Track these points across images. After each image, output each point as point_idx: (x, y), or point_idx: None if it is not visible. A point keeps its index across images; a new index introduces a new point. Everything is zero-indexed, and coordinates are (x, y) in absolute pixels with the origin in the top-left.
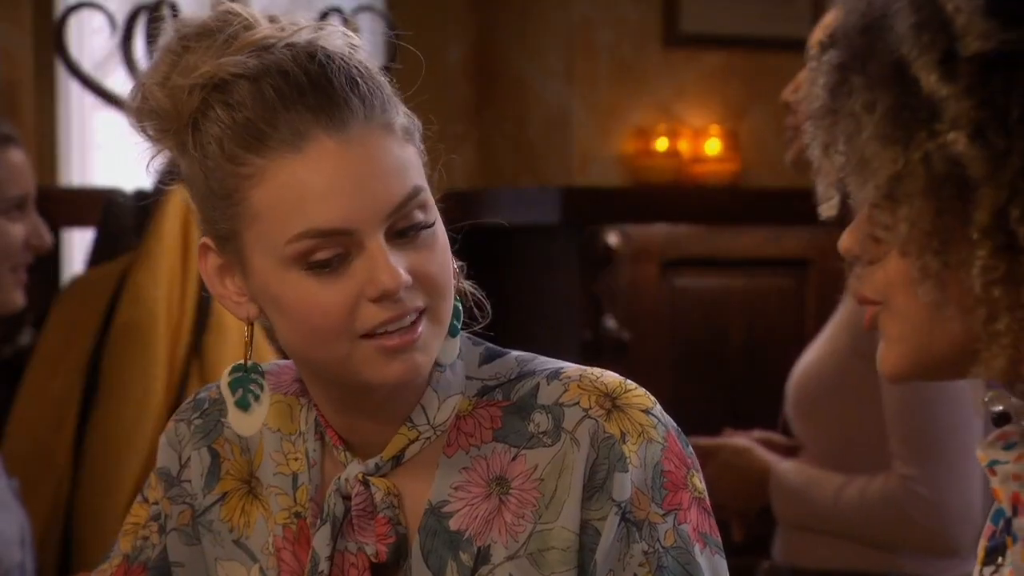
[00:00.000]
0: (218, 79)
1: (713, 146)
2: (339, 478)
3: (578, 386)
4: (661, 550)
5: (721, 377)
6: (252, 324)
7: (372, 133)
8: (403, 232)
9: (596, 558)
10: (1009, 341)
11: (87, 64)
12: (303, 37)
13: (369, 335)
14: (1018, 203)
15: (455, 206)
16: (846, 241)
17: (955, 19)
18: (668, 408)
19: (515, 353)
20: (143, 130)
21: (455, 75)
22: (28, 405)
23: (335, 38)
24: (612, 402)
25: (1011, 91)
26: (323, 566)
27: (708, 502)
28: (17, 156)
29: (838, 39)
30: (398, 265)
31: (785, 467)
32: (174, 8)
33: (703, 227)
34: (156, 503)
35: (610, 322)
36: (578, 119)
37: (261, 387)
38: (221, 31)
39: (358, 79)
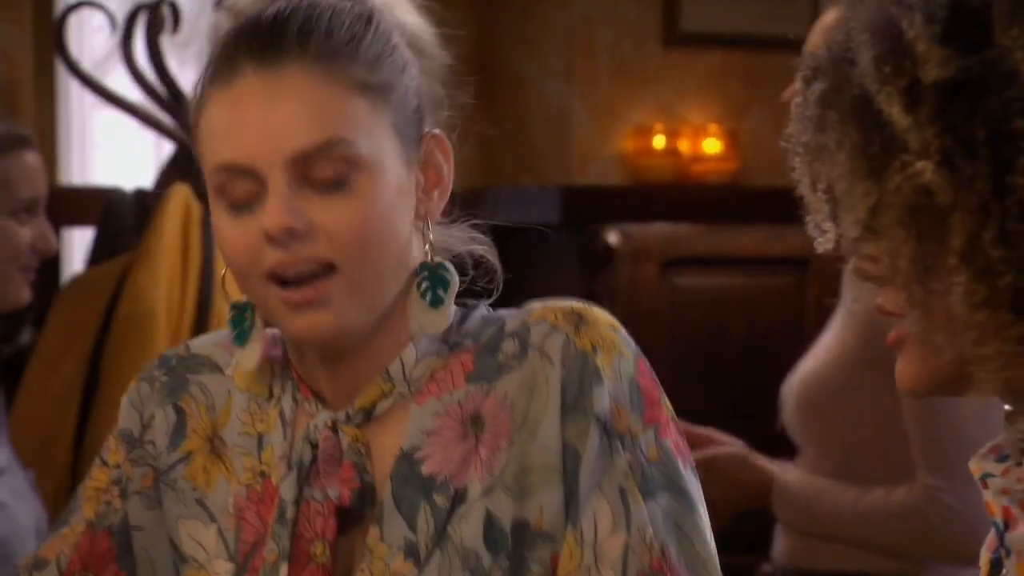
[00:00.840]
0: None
1: (713, 145)
2: (309, 425)
3: (542, 308)
4: (647, 462)
5: (721, 376)
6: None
7: (306, 76)
8: (316, 182)
9: (580, 477)
10: (999, 364)
11: (87, 63)
12: None
13: (278, 284)
14: (991, 227)
15: (455, 205)
16: (855, 266)
17: (914, 48)
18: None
19: (481, 310)
20: None
21: (454, 73)
22: (29, 404)
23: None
24: (578, 317)
25: (973, 116)
26: (289, 512)
27: (678, 423)
28: (31, 159)
29: (819, 70)
30: (298, 208)
31: (790, 478)
32: (174, 7)
33: (703, 226)
34: (117, 466)
35: None
36: (578, 118)
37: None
38: None
39: (317, 25)
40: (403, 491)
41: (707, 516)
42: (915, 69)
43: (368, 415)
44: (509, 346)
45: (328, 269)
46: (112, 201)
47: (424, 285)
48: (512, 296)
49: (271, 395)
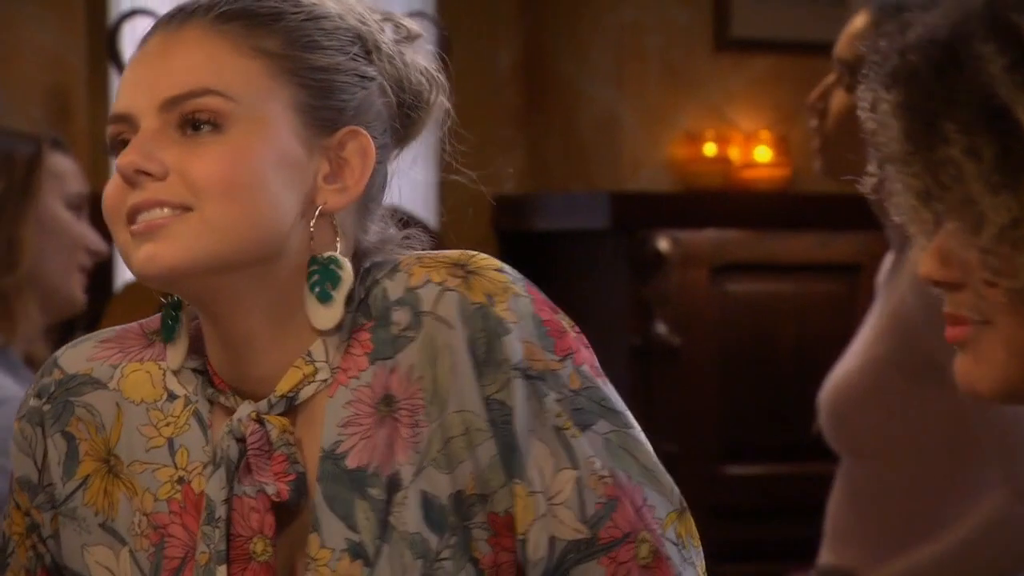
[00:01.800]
0: None
1: (763, 153)
2: (231, 420)
3: (420, 266)
4: (572, 394)
5: (770, 382)
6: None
7: (201, 33)
8: (182, 131)
9: (515, 428)
10: None
11: None
12: None
13: (130, 223)
14: None
15: (504, 212)
16: (927, 266)
17: None
18: (717, 412)
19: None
20: None
21: (505, 80)
22: None
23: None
24: (463, 269)
25: None
26: (219, 511)
27: (584, 337)
28: (72, 162)
29: (900, 78)
30: (156, 153)
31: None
32: None
33: (753, 232)
34: (27, 514)
35: (660, 327)
36: (628, 124)
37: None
38: None
39: (246, 5)
40: (333, 491)
41: (634, 422)
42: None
43: (291, 402)
44: (400, 316)
45: (182, 210)
46: None
47: (314, 278)
48: (561, 301)
49: (171, 396)
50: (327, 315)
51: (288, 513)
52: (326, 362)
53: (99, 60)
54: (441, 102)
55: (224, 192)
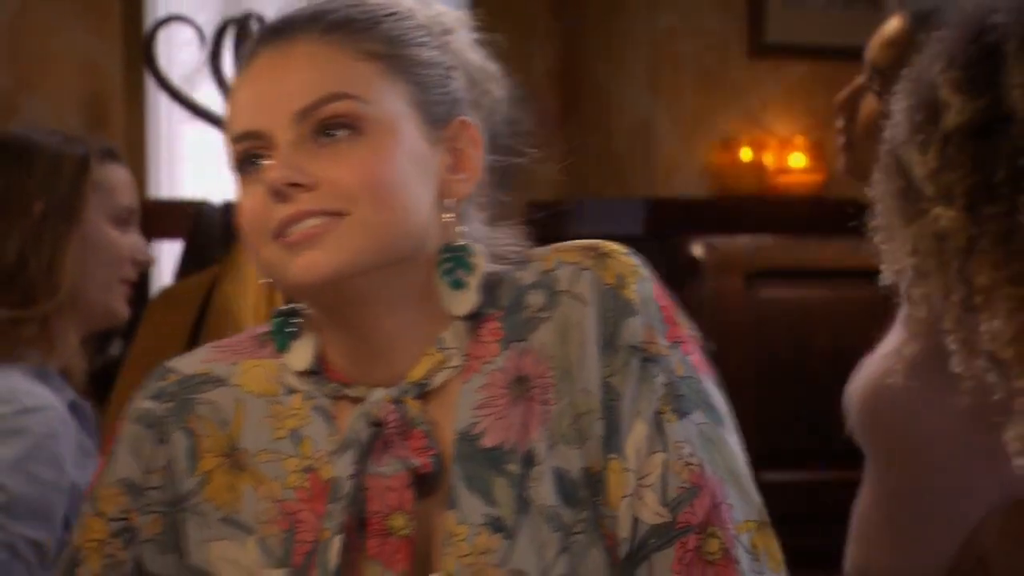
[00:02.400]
0: None
1: (798, 159)
2: (363, 404)
3: (554, 252)
4: (676, 380)
5: (806, 388)
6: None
7: (313, 46)
8: (322, 139)
9: (623, 407)
10: None
11: (176, 77)
12: None
13: (279, 236)
14: (1008, 267)
15: (539, 218)
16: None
17: (939, 97)
18: (753, 419)
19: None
20: None
21: (540, 86)
22: (119, 416)
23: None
24: (596, 251)
25: (993, 158)
26: (346, 487)
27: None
28: (124, 171)
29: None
30: (300, 162)
31: None
32: (261, 21)
33: (788, 238)
34: (115, 519)
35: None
36: (663, 130)
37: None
38: None
39: (331, 8)
40: (470, 470)
41: (733, 427)
42: (939, 118)
43: (422, 388)
44: (534, 299)
45: (335, 216)
46: (200, 214)
47: (447, 266)
48: None
49: (288, 391)
50: (462, 300)
51: (423, 492)
52: (457, 348)
53: (135, 67)
54: (501, 93)
55: (374, 194)
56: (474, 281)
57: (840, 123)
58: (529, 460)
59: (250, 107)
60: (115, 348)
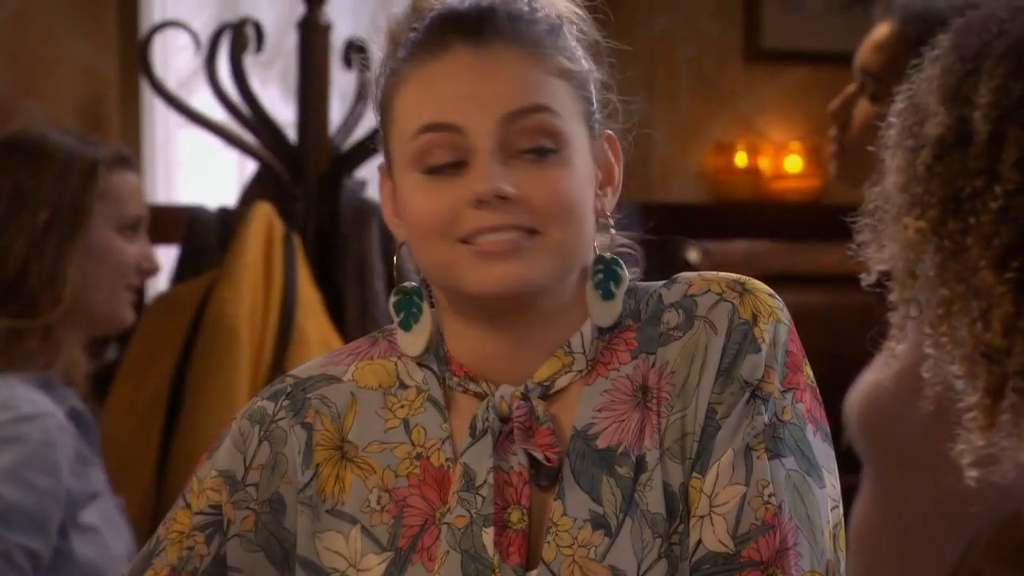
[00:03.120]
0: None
1: (794, 162)
2: (493, 396)
3: (701, 279)
4: (779, 423)
5: None
6: (401, 246)
7: (515, 56)
8: (521, 152)
9: (719, 434)
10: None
11: (172, 82)
12: None
13: (467, 240)
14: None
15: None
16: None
17: (927, 105)
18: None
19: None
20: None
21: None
22: (113, 420)
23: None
24: (742, 287)
25: (960, 173)
26: (482, 478)
27: (818, 392)
28: (134, 179)
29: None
30: (505, 178)
31: None
32: (257, 27)
33: (783, 243)
34: (202, 512)
35: None
36: (659, 134)
37: (420, 308)
38: None
39: (523, 15)
40: (581, 466)
41: (829, 485)
42: (922, 125)
43: (547, 390)
44: (671, 317)
45: (530, 233)
46: (196, 219)
47: (599, 277)
48: None
49: (402, 385)
50: (608, 310)
51: (540, 487)
52: (583, 353)
53: (131, 72)
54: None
55: (565, 216)
56: (621, 292)
57: (833, 131)
58: (641, 466)
59: (450, 101)
60: (111, 353)
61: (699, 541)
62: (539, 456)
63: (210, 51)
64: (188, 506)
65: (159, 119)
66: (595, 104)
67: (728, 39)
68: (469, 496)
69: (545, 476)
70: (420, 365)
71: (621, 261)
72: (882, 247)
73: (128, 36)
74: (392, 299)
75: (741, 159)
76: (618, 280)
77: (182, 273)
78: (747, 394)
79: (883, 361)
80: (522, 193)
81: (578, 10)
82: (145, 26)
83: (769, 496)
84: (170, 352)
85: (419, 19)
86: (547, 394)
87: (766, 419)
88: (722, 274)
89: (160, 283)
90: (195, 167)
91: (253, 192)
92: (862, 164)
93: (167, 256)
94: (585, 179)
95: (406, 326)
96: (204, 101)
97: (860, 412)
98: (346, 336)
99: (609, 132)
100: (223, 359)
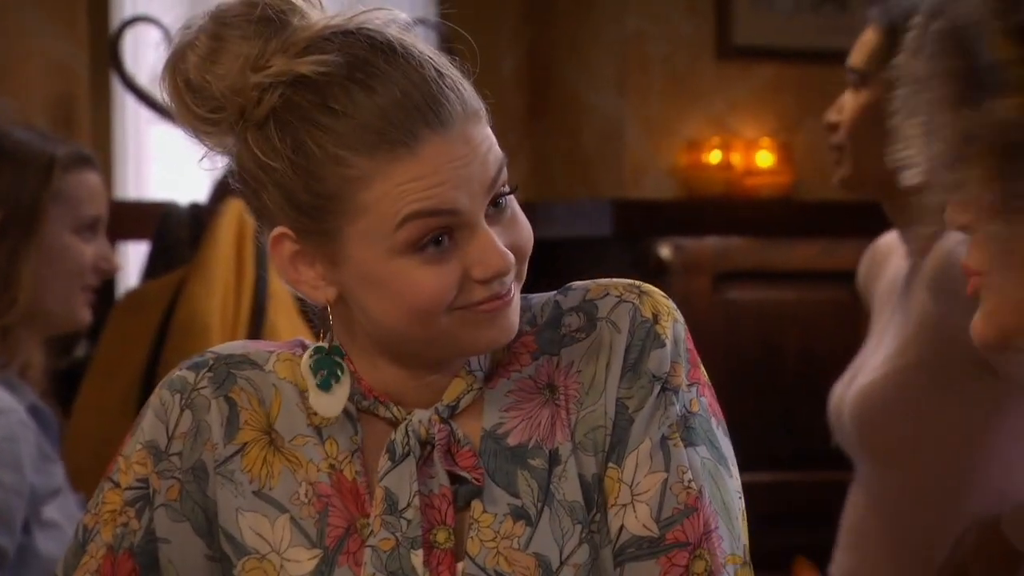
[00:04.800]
0: (297, 76)
1: (766, 158)
2: (409, 421)
3: (597, 285)
4: (689, 414)
5: (775, 390)
6: (327, 307)
7: (468, 122)
8: (495, 202)
9: (633, 426)
10: None
11: (142, 78)
12: (362, 23)
13: (463, 307)
14: None
15: None
16: (950, 213)
17: None
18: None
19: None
20: (188, 109)
21: (508, 87)
22: (84, 417)
23: (394, 25)
24: (639, 289)
25: None
26: (410, 501)
27: (714, 391)
28: (94, 179)
29: (939, 10)
30: (501, 242)
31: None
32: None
33: (756, 240)
34: (131, 487)
35: None
36: (631, 132)
37: (342, 368)
38: (269, 19)
39: (443, 71)
40: (495, 464)
41: (735, 476)
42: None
43: (454, 410)
44: (573, 320)
45: (515, 282)
46: (167, 215)
47: None
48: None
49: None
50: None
51: (461, 505)
52: (481, 370)
53: (101, 68)
54: None
55: (531, 247)
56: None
57: (833, 140)
58: (555, 459)
59: (436, 189)
60: (81, 350)
61: (621, 527)
62: (468, 476)
63: None
64: (117, 485)
65: (130, 115)
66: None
67: (700, 37)
68: (393, 520)
69: (466, 496)
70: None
71: None
72: (935, 128)
73: (99, 32)
74: (308, 360)
75: (713, 156)
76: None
77: (153, 269)
78: (657, 387)
79: (876, 362)
80: (512, 246)
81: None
82: (116, 22)
83: (689, 482)
84: (140, 349)
85: (343, 91)
86: (454, 413)
87: (677, 410)
88: (615, 279)
89: (131, 279)
90: (166, 163)
91: (224, 188)
92: (866, 154)
93: (138, 253)
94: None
95: (326, 386)
96: None
97: (854, 412)
98: (317, 332)
99: None
100: (194, 355)
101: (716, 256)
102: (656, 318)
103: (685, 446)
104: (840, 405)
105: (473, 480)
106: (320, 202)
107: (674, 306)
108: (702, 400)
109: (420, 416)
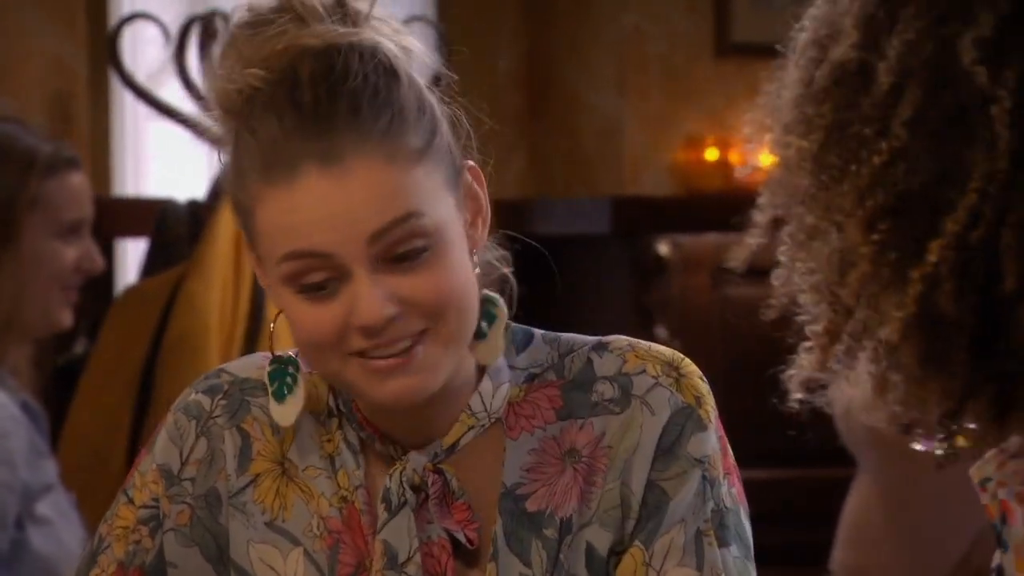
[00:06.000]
0: (250, 90)
1: (765, 156)
2: (404, 468)
3: (635, 355)
4: (724, 509)
5: (773, 387)
6: (277, 317)
7: (366, 160)
8: (396, 258)
9: (669, 509)
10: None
11: (141, 75)
12: (345, 39)
13: (359, 354)
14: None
15: (506, 216)
16: None
17: (842, 25)
18: (720, 416)
19: (539, 333)
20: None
21: (506, 85)
22: (82, 415)
23: (382, 39)
24: (676, 371)
25: (852, 106)
26: (411, 556)
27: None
28: (77, 180)
29: None
30: (387, 292)
31: None
32: (227, 19)
33: None
34: (146, 506)
35: (661, 332)
36: (629, 129)
37: (295, 378)
38: (272, 23)
39: (364, 102)
40: (512, 528)
41: (754, 569)
42: (833, 43)
43: (452, 450)
44: (606, 389)
45: (421, 332)
46: (165, 212)
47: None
48: (563, 306)
49: (330, 412)
50: (483, 351)
51: (466, 558)
52: (485, 411)
53: (100, 65)
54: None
55: (455, 306)
56: (495, 332)
57: None
58: (566, 528)
59: (311, 229)
60: (79, 347)
61: None
62: (460, 538)
63: (179, 44)
64: (131, 501)
65: (128, 112)
66: (448, 148)
67: (698, 34)
68: (393, 574)
69: (465, 553)
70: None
71: (496, 299)
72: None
73: (97, 29)
74: (267, 368)
75: (711, 153)
76: (492, 319)
77: (152, 266)
78: (697, 473)
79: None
80: (408, 300)
81: (406, 39)
82: (114, 19)
83: None
84: (139, 346)
85: (260, 111)
86: (451, 454)
87: (713, 504)
88: (654, 349)
89: (129, 277)
90: (165, 160)
91: (223, 185)
92: None
93: (137, 250)
94: (460, 246)
95: (279, 397)
96: (174, 94)
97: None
98: None
99: (470, 164)
100: (193, 352)
101: (714, 253)
102: (698, 402)
103: (719, 545)
104: (847, 400)
105: (466, 542)
106: (241, 217)
107: (709, 390)
108: (733, 492)
109: (415, 463)
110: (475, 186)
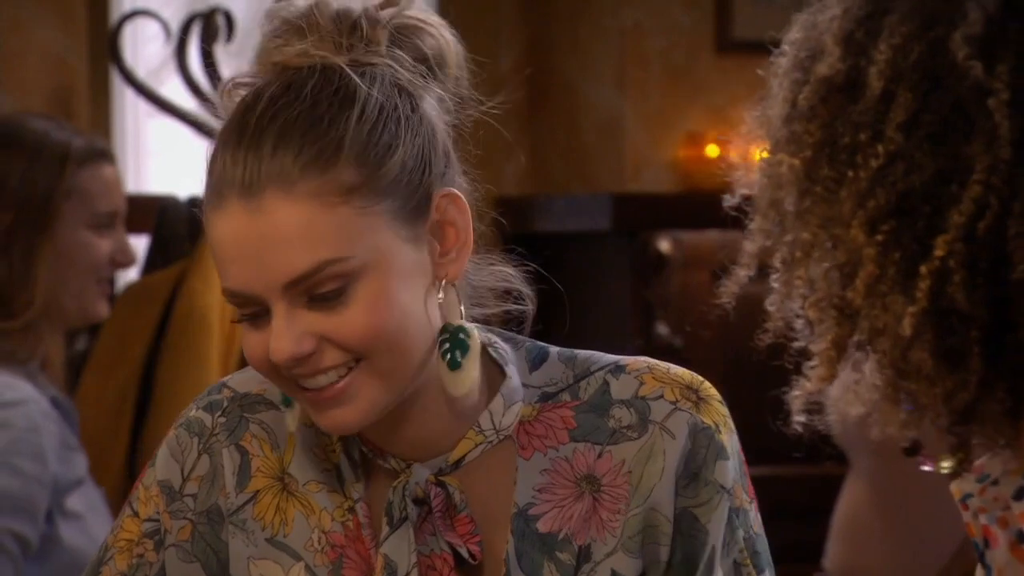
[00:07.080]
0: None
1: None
2: (407, 482)
3: (653, 378)
4: (754, 536)
5: (774, 384)
6: None
7: (285, 197)
8: (313, 298)
9: (707, 543)
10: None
11: (142, 72)
12: (329, 61)
13: (300, 387)
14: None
15: (506, 213)
16: None
17: (823, 42)
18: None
19: (554, 351)
20: None
21: (507, 82)
22: (82, 413)
23: (384, 67)
24: (696, 394)
25: (839, 120)
26: (409, 571)
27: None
28: (110, 171)
29: None
30: (302, 329)
31: None
32: (228, 16)
33: None
34: (150, 519)
35: (662, 329)
36: (630, 125)
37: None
38: (282, 34)
39: (296, 132)
40: (523, 548)
41: None
42: (815, 61)
43: (458, 465)
44: (623, 415)
45: (353, 363)
46: (166, 209)
47: (444, 347)
48: (564, 304)
49: None
50: (457, 381)
51: (470, 572)
52: (494, 429)
53: (101, 62)
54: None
55: (382, 341)
56: (470, 362)
57: None
58: (585, 555)
59: (234, 269)
60: (81, 343)
61: None
62: (464, 553)
63: (180, 40)
64: (136, 514)
65: (129, 109)
66: (412, 178)
67: (699, 30)
68: None
69: (469, 569)
70: None
71: (468, 329)
72: (751, 172)
73: (98, 25)
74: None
75: (712, 150)
76: (465, 349)
77: (152, 263)
78: (726, 502)
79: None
80: (326, 337)
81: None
82: (115, 15)
83: None
84: (140, 344)
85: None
86: (456, 469)
87: (743, 533)
88: (673, 371)
89: (130, 273)
90: (165, 157)
91: None
92: None
93: (137, 246)
94: (402, 283)
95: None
96: (174, 90)
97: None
98: None
99: (447, 191)
100: (194, 350)
101: (715, 250)
102: (719, 427)
103: (756, 573)
104: (843, 398)
105: (469, 556)
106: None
107: (728, 414)
108: (757, 518)
109: (418, 476)
110: (452, 213)
